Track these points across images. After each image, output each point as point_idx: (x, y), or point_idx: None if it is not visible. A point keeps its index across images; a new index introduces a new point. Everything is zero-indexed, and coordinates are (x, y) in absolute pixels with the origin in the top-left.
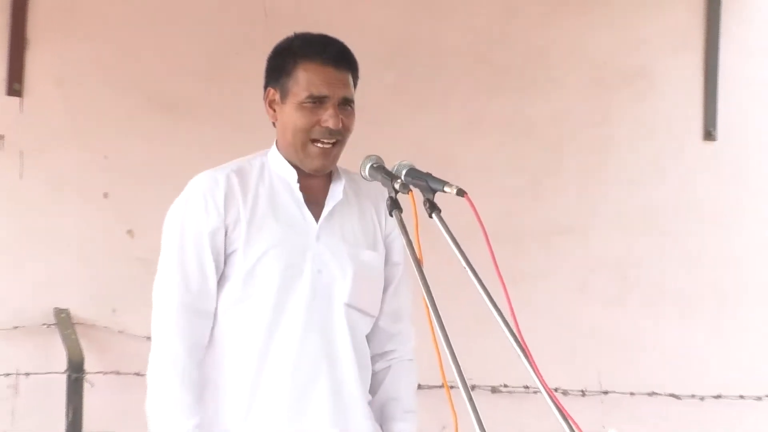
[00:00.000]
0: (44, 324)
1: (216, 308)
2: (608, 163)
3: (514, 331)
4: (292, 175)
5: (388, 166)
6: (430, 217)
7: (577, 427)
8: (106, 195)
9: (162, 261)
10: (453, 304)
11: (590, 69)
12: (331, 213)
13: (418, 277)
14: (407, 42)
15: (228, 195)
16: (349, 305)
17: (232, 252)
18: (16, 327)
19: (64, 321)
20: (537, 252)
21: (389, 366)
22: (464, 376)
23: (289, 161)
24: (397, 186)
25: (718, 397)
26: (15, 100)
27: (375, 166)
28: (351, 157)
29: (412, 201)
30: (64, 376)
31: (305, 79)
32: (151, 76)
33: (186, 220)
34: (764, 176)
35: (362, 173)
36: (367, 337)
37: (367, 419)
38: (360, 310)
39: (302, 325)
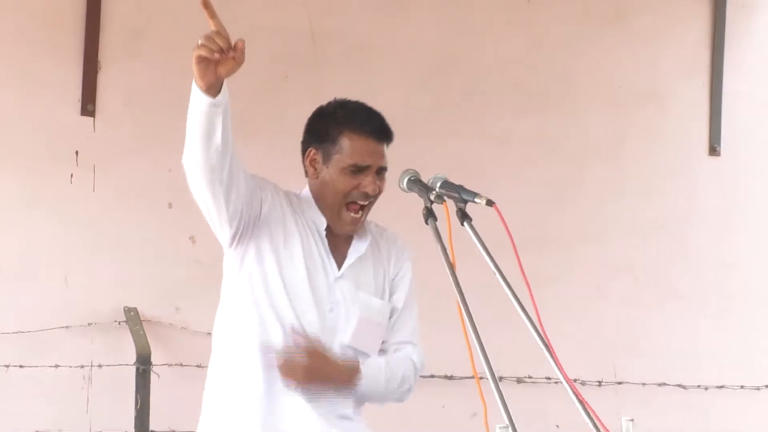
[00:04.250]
0: (115, 321)
1: (231, 297)
2: (623, 176)
3: (538, 327)
4: (322, 223)
5: (424, 179)
6: (462, 225)
7: (594, 414)
8: (170, 205)
9: None
10: (483, 303)
11: (607, 91)
12: (350, 263)
13: (452, 280)
14: (444, 65)
15: (287, 200)
16: (349, 346)
17: (263, 237)
18: (90, 324)
19: (133, 318)
20: (559, 257)
21: (385, 353)
22: (492, 368)
23: (321, 213)
24: (432, 197)
25: (720, 387)
26: (89, 119)
27: (412, 179)
28: (391, 171)
29: (446, 211)
30: (133, 368)
31: (350, 148)
32: None
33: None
34: (763, 188)
35: (400, 185)
36: None
37: None
38: (359, 351)
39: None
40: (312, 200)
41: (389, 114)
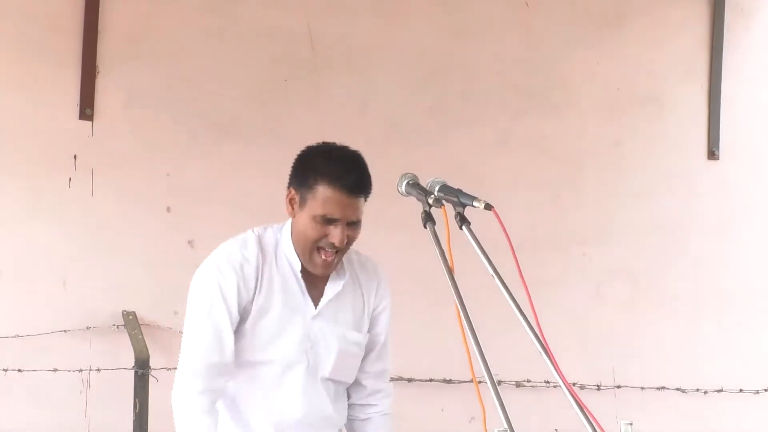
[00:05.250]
0: (114, 325)
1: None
2: (621, 180)
3: (537, 331)
4: (297, 265)
5: (423, 183)
6: (461, 228)
7: (593, 418)
8: (168, 209)
9: (193, 321)
10: (481, 307)
11: (606, 94)
12: (326, 302)
13: (450, 284)
14: (442, 68)
15: (256, 275)
16: (329, 379)
17: (246, 316)
18: (88, 327)
19: (131, 322)
20: (557, 260)
21: (369, 418)
22: (491, 372)
23: (296, 252)
24: (430, 201)
25: (719, 391)
26: (87, 123)
27: (411, 183)
28: (389, 175)
29: (445, 214)
30: (132, 372)
31: (322, 199)
32: (208, 101)
33: (221, 289)
34: (762, 191)
35: (399, 189)
36: (350, 390)
37: None
38: (337, 382)
39: (300, 388)
40: (290, 241)
41: (387, 116)
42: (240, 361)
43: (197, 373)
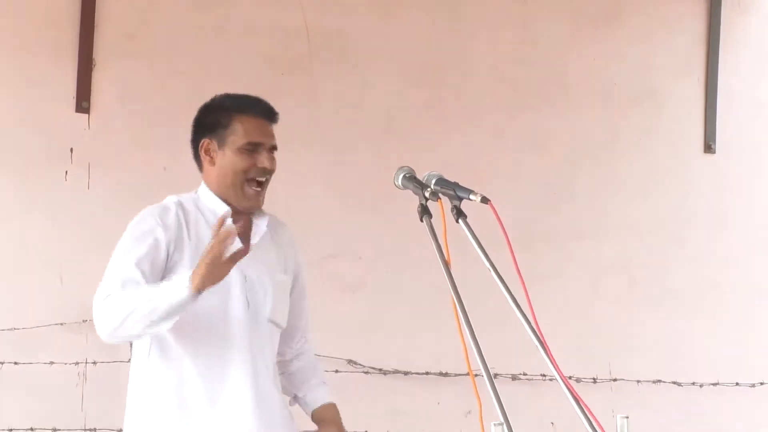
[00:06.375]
0: None
1: None
2: (617, 174)
3: (533, 325)
4: (222, 209)
5: (419, 176)
6: (457, 222)
7: (589, 411)
8: None
9: (118, 251)
10: (477, 301)
11: (602, 89)
12: (256, 242)
13: (446, 277)
14: (437, 62)
15: (176, 222)
16: (270, 320)
17: (173, 269)
18: (84, 320)
19: None
20: (553, 254)
21: (302, 364)
22: (487, 365)
23: (222, 199)
24: (427, 194)
25: (715, 384)
26: (83, 116)
27: (407, 176)
28: (385, 169)
29: (441, 208)
30: (128, 365)
31: (242, 129)
32: (204, 95)
33: (144, 229)
34: (758, 185)
35: (395, 182)
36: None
37: (288, 422)
38: (277, 324)
39: (242, 333)
40: (209, 192)
41: (383, 111)
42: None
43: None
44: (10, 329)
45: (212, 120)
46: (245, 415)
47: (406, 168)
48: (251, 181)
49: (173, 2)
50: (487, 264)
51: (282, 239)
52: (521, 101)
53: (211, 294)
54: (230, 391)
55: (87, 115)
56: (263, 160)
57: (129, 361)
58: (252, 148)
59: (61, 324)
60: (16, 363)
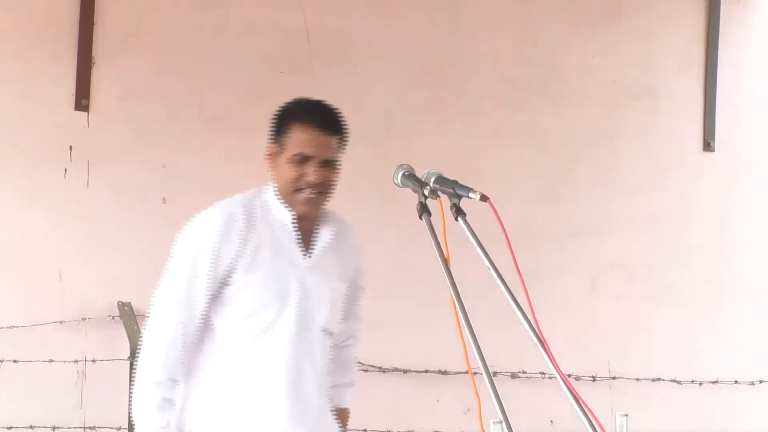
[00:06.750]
0: (109, 316)
1: (214, 321)
2: (617, 172)
3: (532, 323)
4: (286, 216)
5: (419, 174)
6: (456, 220)
7: (588, 409)
8: (164, 200)
9: (173, 272)
10: (477, 299)
11: (601, 87)
12: (318, 251)
13: (446, 275)
14: (437, 62)
15: (240, 234)
16: (323, 329)
17: (232, 276)
18: (84, 319)
19: (127, 313)
20: (552, 252)
21: (343, 357)
22: (486, 363)
23: (284, 205)
24: (426, 192)
25: (714, 382)
26: (82, 114)
27: (406, 174)
28: (384, 168)
29: (440, 206)
30: (127, 363)
31: (295, 139)
32: (203, 93)
33: (205, 246)
34: (756, 183)
35: (395, 181)
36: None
37: (331, 428)
38: (329, 332)
39: (290, 342)
40: (275, 196)
41: (383, 111)
42: (227, 323)
43: (159, 362)
44: (10, 327)
45: (277, 124)
46: (279, 419)
47: (405, 166)
48: (300, 191)
49: (173, 2)
50: (487, 262)
51: (344, 245)
52: (520, 100)
53: (269, 302)
54: (267, 395)
55: (86, 113)
56: (309, 174)
57: (128, 359)
58: (301, 160)
59: (61, 322)
60: (15, 361)
